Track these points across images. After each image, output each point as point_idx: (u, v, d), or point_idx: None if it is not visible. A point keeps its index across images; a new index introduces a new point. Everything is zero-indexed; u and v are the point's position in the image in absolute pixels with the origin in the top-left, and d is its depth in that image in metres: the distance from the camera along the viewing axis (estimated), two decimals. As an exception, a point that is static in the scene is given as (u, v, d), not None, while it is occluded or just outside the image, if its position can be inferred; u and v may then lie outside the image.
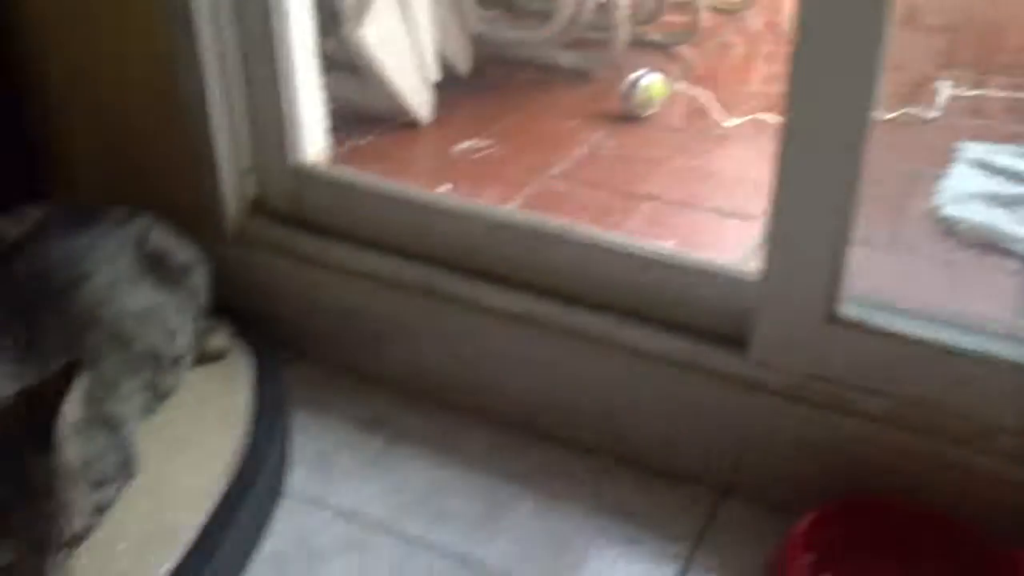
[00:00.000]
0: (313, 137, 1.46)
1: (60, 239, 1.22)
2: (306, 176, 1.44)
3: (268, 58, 1.38)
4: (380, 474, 1.29)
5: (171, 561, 1.06)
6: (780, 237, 1.13)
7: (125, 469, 1.13)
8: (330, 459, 1.31)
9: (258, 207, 1.49)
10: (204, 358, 1.36)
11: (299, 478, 1.28)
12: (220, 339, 1.39)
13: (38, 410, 0.94)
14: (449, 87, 2.32)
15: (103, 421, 1.14)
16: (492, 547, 1.18)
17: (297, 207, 1.46)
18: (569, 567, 1.16)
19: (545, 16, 2.52)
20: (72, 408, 0.95)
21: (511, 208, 1.39)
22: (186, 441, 1.23)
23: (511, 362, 1.34)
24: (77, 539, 0.96)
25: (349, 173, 1.44)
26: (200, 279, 1.34)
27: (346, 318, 1.44)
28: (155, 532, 1.09)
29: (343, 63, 1.96)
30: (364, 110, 2.14)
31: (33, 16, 1.48)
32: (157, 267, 1.28)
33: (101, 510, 1.09)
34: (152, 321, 1.23)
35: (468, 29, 2.38)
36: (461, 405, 1.40)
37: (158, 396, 1.25)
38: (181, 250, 1.32)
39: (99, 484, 1.08)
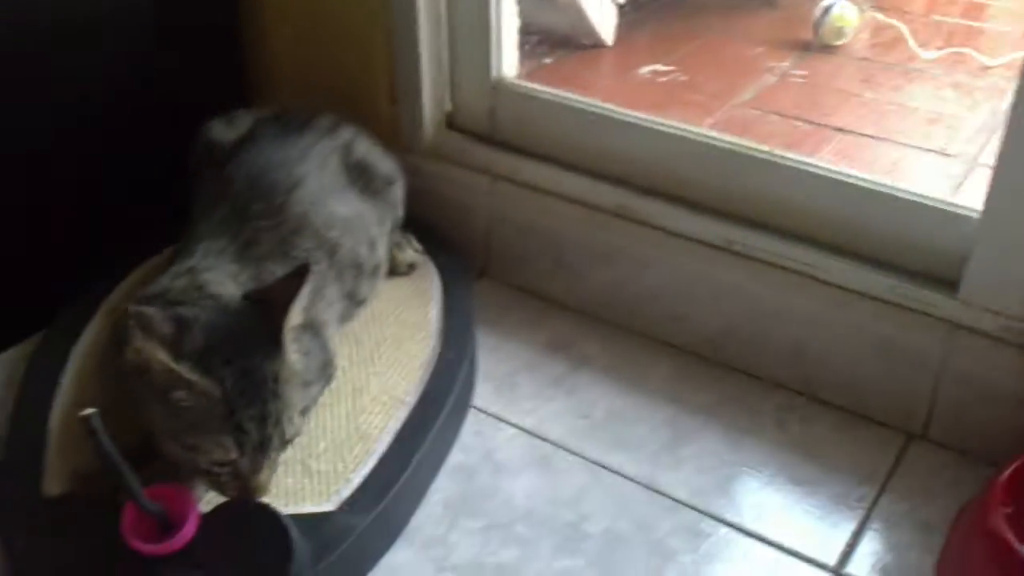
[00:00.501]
0: (509, 54, 1.45)
1: (273, 145, 1.25)
2: (504, 91, 1.43)
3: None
4: (563, 397, 1.29)
5: (368, 465, 1.09)
6: (1008, 178, 1.06)
7: (325, 371, 1.17)
8: (514, 378, 1.32)
9: (452, 123, 1.49)
10: (394, 271, 1.38)
11: (484, 394, 1.29)
12: (410, 253, 1.41)
13: (269, 312, 0.98)
14: (632, 10, 2.27)
15: (309, 324, 1.17)
16: (676, 475, 1.18)
17: (491, 124, 1.46)
18: (752, 505, 1.14)
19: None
20: (298, 311, 0.98)
21: (711, 130, 1.33)
22: (379, 349, 1.26)
23: (702, 291, 1.32)
24: (290, 439, 1.00)
25: (546, 90, 1.42)
26: (399, 192, 1.37)
27: (533, 239, 1.44)
28: (352, 436, 1.13)
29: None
30: (548, 31, 2.11)
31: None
32: (361, 177, 1.31)
33: (305, 411, 1.13)
34: (356, 229, 1.26)
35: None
36: (646, 333, 1.39)
37: (354, 303, 1.28)
38: (383, 162, 1.35)
39: (306, 384, 1.13)
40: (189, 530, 0.96)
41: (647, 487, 1.16)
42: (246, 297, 1.02)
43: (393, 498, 1.07)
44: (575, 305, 1.44)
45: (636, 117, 1.36)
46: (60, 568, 0.97)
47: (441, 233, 1.47)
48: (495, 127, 1.46)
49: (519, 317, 1.43)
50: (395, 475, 1.09)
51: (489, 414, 1.26)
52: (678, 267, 1.33)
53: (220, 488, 0.98)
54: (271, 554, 0.97)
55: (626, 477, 1.18)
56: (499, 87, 1.44)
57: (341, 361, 1.22)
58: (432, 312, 1.33)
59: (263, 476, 0.97)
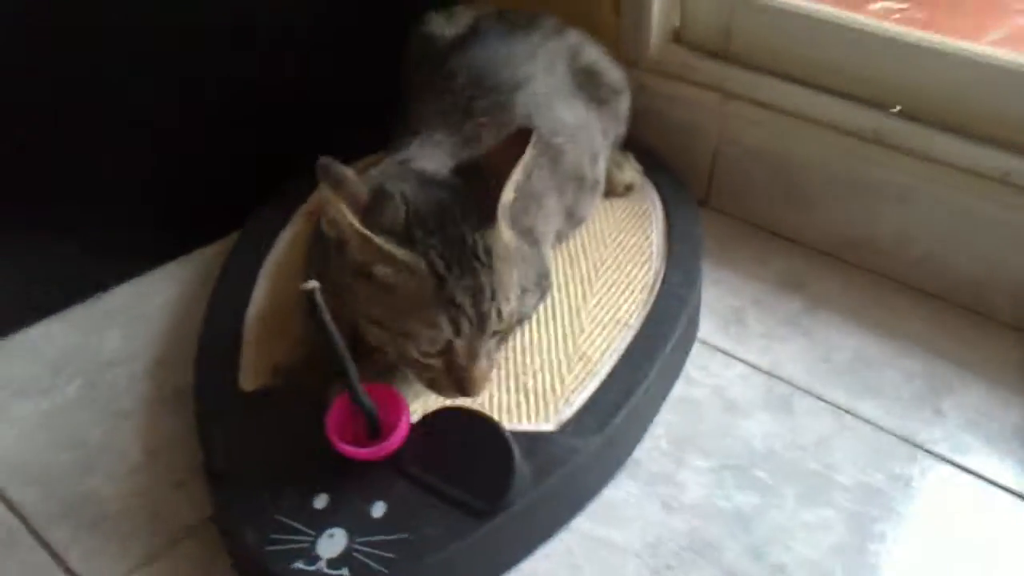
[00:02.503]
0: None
1: (499, 42, 1.16)
2: (740, 4, 1.28)
3: None
4: (799, 337, 1.15)
5: (589, 388, 0.98)
6: None
7: (541, 283, 1.06)
8: (744, 314, 1.19)
9: (680, 37, 1.36)
10: (611, 191, 1.27)
11: (709, 329, 1.16)
12: (629, 172, 1.29)
13: (482, 183, 0.87)
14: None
15: (527, 231, 1.07)
16: (935, 431, 1.02)
17: (724, 39, 1.32)
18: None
19: None
20: (516, 182, 0.87)
21: (986, 47, 1.16)
22: (598, 271, 1.14)
23: (967, 231, 1.15)
24: (503, 334, 0.89)
25: (793, 1, 1.27)
26: (625, 104, 1.25)
27: (765, 165, 1.30)
28: (571, 356, 1.02)
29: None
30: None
31: None
32: (588, 83, 1.20)
33: (520, 320, 1.02)
34: (581, 139, 1.15)
35: None
36: (895, 275, 1.23)
37: (572, 221, 1.17)
38: (612, 70, 1.23)
39: (521, 291, 1.02)
40: (399, 436, 0.88)
41: (904, 441, 1.01)
42: (457, 170, 0.91)
43: (617, 424, 0.95)
44: (810, 241, 1.29)
45: (900, 32, 1.19)
46: (258, 463, 0.90)
47: (661, 156, 1.34)
48: (729, 42, 1.31)
49: (744, 251, 1.29)
50: (620, 399, 0.97)
51: (717, 348, 1.13)
52: (941, 202, 1.16)
53: (435, 385, 0.88)
54: (489, 469, 0.87)
55: (878, 427, 1.03)
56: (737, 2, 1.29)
57: (557, 279, 1.11)
58: (654, 235, 1.21)
59: (481, 367, 0.86)
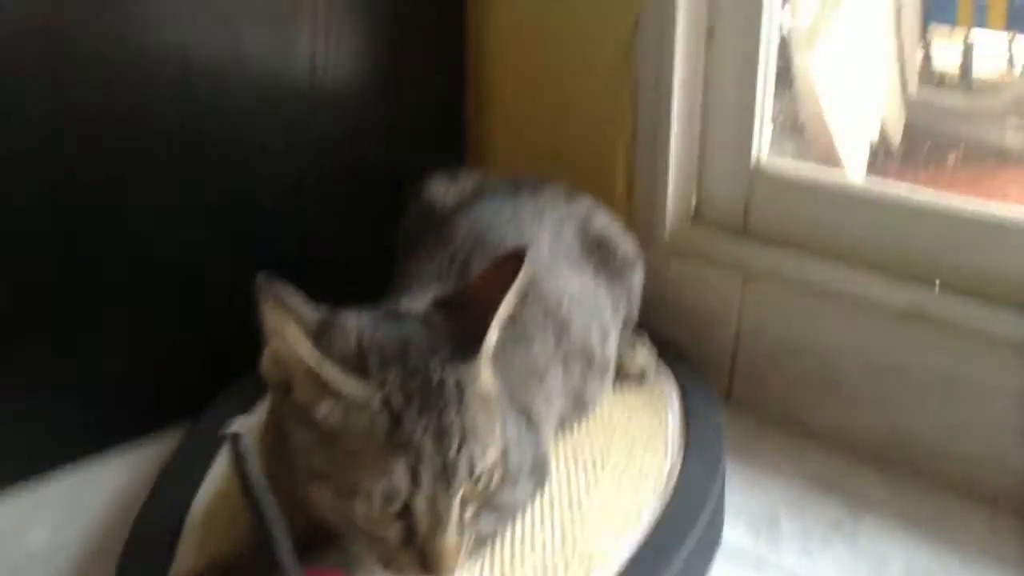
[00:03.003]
0: (764, 140, 1.22)
1: (504, 203, 1.07)
2: (763, 177, 1.19)
3: (740, 48, 1.17)
4: (842, 543, 0.98)
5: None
6: None
7: (537, 472, 0.91)
8: (774, 517, 1.02)
9: (696, 216, 1.26)
10: (623, 375, 1.13)
11: (735, 534, 1.00)
12: (643, 355, 1.16)
13: (466, 311, 0.73)
14: (874, 155, 2.02)
15: (524, 409, 0.93)
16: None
17: (741, 217, 1.22)
18: None
19: (993, 87, 2.17)
20: (507, 309, 0.73)
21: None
22: (603, 459, 0.99)
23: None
24: (480, 502, 0.72)
25: (816, 174, 1.18)
26: (638, 278, 1.13)
27: (793, 353, 1.16)
28: (568, 559, 0.85)
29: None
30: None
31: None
32: (597, 253, 1.09)
33: (512, 510, 0.87)
34: (589, 311, 1.03)
35: (906, 91, 2.08)
36: (945, 475, 1.06)
37: (578, 407, 1.03)
38: (623, 240, 1.13)
39: (512, 480, 0.87)
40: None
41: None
42: (436, 303, 0.77)
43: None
44: (848, 440, 1.13)
45: (933, 199, 1.09)
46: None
47: (678, 345, 1.21)
48: (748, 219, 1.21)
49: (773, 450, 1.14)
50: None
51: (744, 554, 0.96)
52: (999, 385, 1.01)
53: (391, 562, 0.70)
54: None
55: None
56: (758, 173, 1.20)
57: (556, 467, 0.96)
58: (670, 422, 1.06)
59: (450, 538, 0.68)
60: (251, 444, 0.66)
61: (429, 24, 1.32)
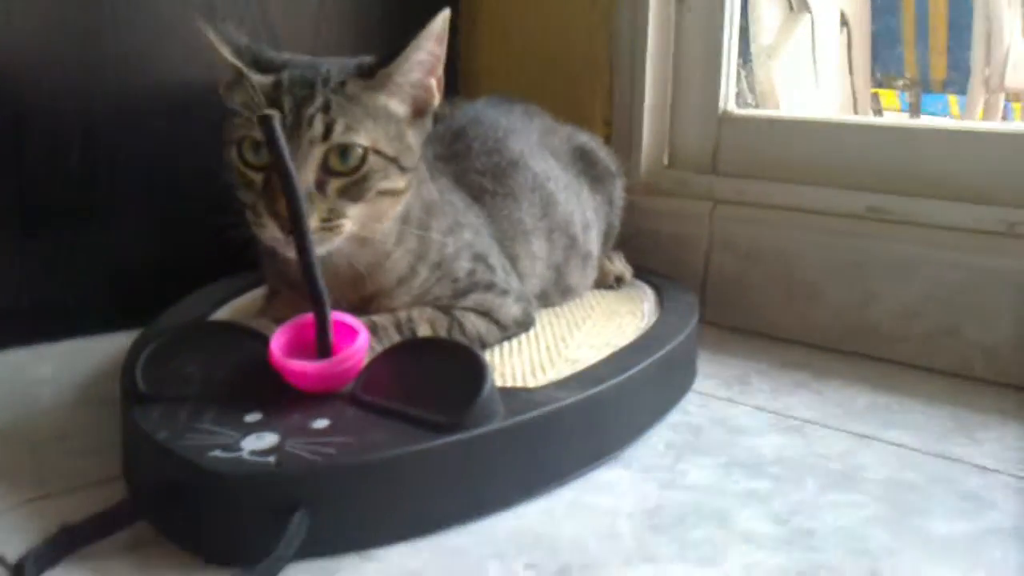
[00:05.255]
0: (730, 91, 1.35)
1: (495, 106, 1.17)
2: (729, 123, 1.32)
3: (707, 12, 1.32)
4: (808, 394, 1.04)
5: (571, 370, 0.87)
6: None
7: (523, 301, 1.01)
8: (747, 379, 1.08)
9: (669, 161, 1.37)
10: (601, 282, 1.21)
11: (709, 385, 1.05)
12: (619, 264, 1.24)
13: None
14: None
15: (508, 255, 1.01)
16: (973, 451, 0.88)
17: (711, 157, 1.33)
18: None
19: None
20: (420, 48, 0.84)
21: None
22: (586, 319, 1.06)
23: (980, 292, 1.08)
24: (349, 181, 0.81)
25: (774, 113, 1.30)
26: (619, 191, 1.24)
27: (760, 264, 1.25)
28: (554, 360, 0.92)
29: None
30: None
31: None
32: (582, 160, 1.20)
33: (499, 318, 0.97)
34: (572, 197, 1.13)
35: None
36: (902, 358, 1.14)
37: (560, 287, 1.11)
38: (607, 155, 1.24)
39: (498, 289, 0.96)
40: (352, 356, 0.76)
41: (936, 455, 0.87)
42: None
43: (601, 393, 0.83)
44: (812, 338, 1.20)
45: (879, 121, 1.21)
46: (188, 385, 0.77)
47: (654, 270, 1.29)
48: (717, 158, 1.33)
49: (745, 349, 1.19)
50: (606, 374, 0.86)
51: (717, 397, 1.01)
52: (948, 267, 1.10)
53: (255, 211, 0.80)
54: (454, 389, 0.75)
55: (903, 445, 0.89)
56: (725, 119, 1.32)
57: (540, 321, 1.03)
58: (646, 305, 1.13)
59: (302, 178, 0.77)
60: (280, 124, 0.74)
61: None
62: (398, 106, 0.84)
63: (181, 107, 1.18)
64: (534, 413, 0.76)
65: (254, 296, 1.08)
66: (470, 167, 1.04)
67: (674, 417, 0.95)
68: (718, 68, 1.32)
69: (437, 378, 0.76)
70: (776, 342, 1.21)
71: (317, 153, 0.79)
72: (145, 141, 1.17)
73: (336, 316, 0.78)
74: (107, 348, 1.08)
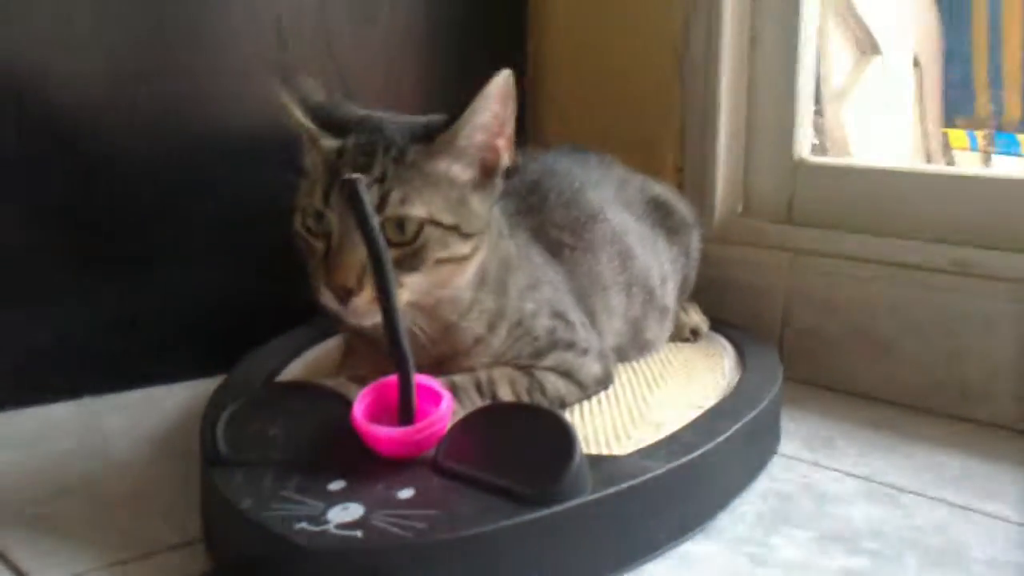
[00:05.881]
0: (805, 137, 1.32)
1: (569, 157, 1.14)
2: (803, 172, 1.29)
3: (783, 41, 1.29)
4: (896, 456, 1.00)
5: (657, 437, 0.84)
6: None
7: (603, 360, 0.98)
8: (831, 440, 1.04)
9: (744, 211, 1.34)
10: (677, 334, 1.18)
11: (793, 447, 1.01)
12: (695, 317, 1.21)
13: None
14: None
15: (585, 310, 0.99)
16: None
17: (786, 207, 1.30)
18: None
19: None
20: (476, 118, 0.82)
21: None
22: (667, 378, 1.03)
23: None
24: (406, 250, 0.80)
25: (852, 162, 1.27)
26: (695, 241, 1.21)
27: (840, 318, 1.21)
28: (636, 422, 0.89)
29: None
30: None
31: None
32: (657, 211, 1.17)
33: (580, 379, 0.94)
34: (649, 250, 1.11)
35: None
36: (994, 413, 1.09)
37: (637, 342, 1.09)
38: (682, 204, 1.22)
39: (578, 347, 0.94)
40: (436, 422, 0.74)
41: (1038, 530, 0.83)
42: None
43: (692, 461, 0.80)
44: (895, 395, 1.16)
45: (960, 170, 1.18)
46: (269, 449, 0.75)
47: (729, 320, 1.26)
48: (792, 208, 1.29)
49: (826, 406, 1.16)
50: (696, 441, 0.83)
51: (801, 460, 0.98)
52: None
53: (316, 279, 0.80)
54: (541, 458, 0.72)
55: (1006, 520, 0.85)
56: (800, 167, 1.29)
57: (619, 379, 1.00)
58: (726, 360, 1.10)
59: (348, 256, 0.77)
60: (365, 188, 0.72)
61: (491, 27, 1.44)
62: (461, 171, 0.83)
63: (251, 150, 1.17)
64: (623, 485, 0.74)
65: (328, 348, 1.07)
66: (547, 220, 1.02)
67: (761, 483, 0.92)
68: (792, 113, 1.30)
69: (523, 445, 0.74)
70: (856, 399, 1.18)
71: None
72: (217, 185, 1.16)
73: (418, 379, 0.76)
74: (181, 398, 1.08)
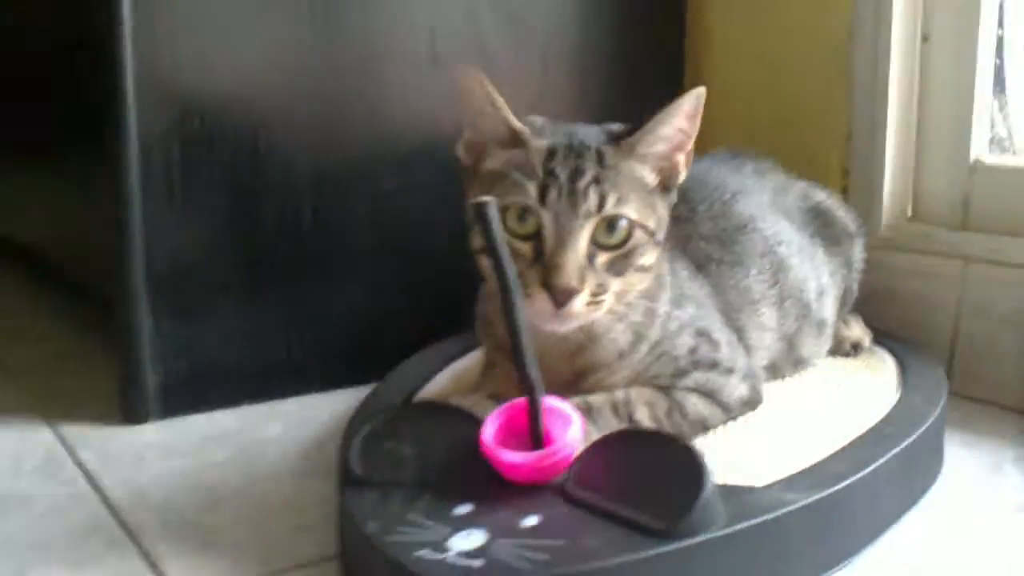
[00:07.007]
0: (983, 138, 1.23)
1: (724, 163, 1.11)
2: (980, 175, 1.21)
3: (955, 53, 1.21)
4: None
5: (806, 461, 0.80)
6: None
7: (749, 379, 0.94)
8: (999, 468, 0.97)
9: (914, 213, 1.27)
10: (837, 348, 1.12)
11: (955, 476, 0.95)
12: (857, 330, 1.15)
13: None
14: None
15: (734, 327, 0.96)
16: None
17: (961, 211, 1.22)
18: None
19: None
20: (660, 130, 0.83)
21: None
22: (823, 395, 0.99)
23: None
24: (619, 253, 0.81)
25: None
26: (859, 251, 1.15)
27: (1016, 328, 1.12)
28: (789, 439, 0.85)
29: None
30: None
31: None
32: (817, 220, 1.12)
33: (721, 399, 0.90)
34: (806, 261, 1.06)
35: None
36: None
37: (791, 357, 1.04)
38: (845, 213, 1.15)
39: (723, 367, 0.90)
40: (566, 448, 0.73)
41: None
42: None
43: (839, 492, 0.76)
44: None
45: None
46: (402, 471, 0.76)
47: (895, 334, 1.19)
48: (968, 212, 1.21)
49: (996, 430, 1.08)
50: (845, 470, 0.79)
51: (966, 491, 0.92)
52: None
53: (525, 283, 0.77)
54: (672, 491, 0.71)
55: None
56: (977, 169, 1.21)
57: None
58: (886, 380, 1.04)
59: (569, 257, 0.77)
60: (496, 211, 0.72)
61: (648, 33, 1.42)
62: (649, 175, 0.84)
63: (407, 165, 1.20)
64: (759, 519, 0.71)
65: (470, 361, 1.07)
66: (694, 232, 0.99)
67: (916, 517, 0.86)
68: (969, 111, 1.21)
69: (653, 475, 0.72)
70: (1033, 419, 1.09)
71: (590, 226, 0.78)
72: (374, 199, 1.19)
73: (549, 402, 0.75)
74: (335, 405, 1.11)
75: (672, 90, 1.41)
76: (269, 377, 1.14)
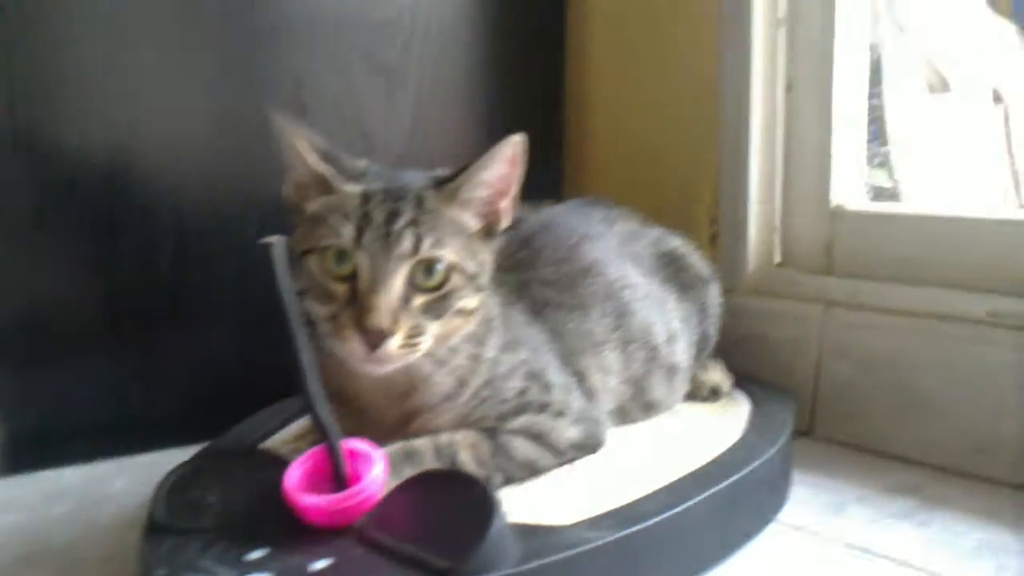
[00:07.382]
0: (843, 185, 1.25)
1: (575, 210, 1.13)
2: (841, 220, 1.23)
3: (817, 85, 1.24)
4: (909, 525, 0.92)
5: (621, 499, 0.80)
6: None
7: (584, 423, 0.93)
8: (842, 508, 0.97)
9: (781, 260, 1.28)
10: (695, 394, 1.13)
11: (800, 514, 0.95)
12: (716, 374, 1.15)
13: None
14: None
15: (574, 372, 0.96)
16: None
17: (825, 256, 1.24)
18: None
19: None
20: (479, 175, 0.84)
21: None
22: (667, 435, 0.99)
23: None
24: (437, 295, 0.81)
25: (890, 207, 1.20)
26: (712, 296, 1.15)
27: (875, 373, 1.14)
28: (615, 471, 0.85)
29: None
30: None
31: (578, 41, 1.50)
32: (669, 266, 1.13)
33: (551, 442, 0.90)
34: (653, 307, 1.06)
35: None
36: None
37: (640, 401, 1.04)
38: (698, 259, 1.17)
39: (554, 408, 0.90)
40: (364, 491, 0.73)
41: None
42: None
43: (645, 531, 0.76)
44: (930, 457, 1.08)
45: (1006, 215, 1.09)
46: (205, 518, 0.75)
47: (758, 379, 1.20)
48: (832, 257, 1.23)
49: (850, 468, 1.08)
50: (655, 509, 0.78)
51: (803, 531, 0.91)
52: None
53: (338, 323, 0.78)
54: (461, 529, 0.69)
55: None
56: (837, 214, 1.23)
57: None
58: (735, 421, 1.04)
59: (383, 298, 0.76)
60: (282, 252, 0.72)
61: (530, 80, 1.44)
62: (469, 220, 0.84)
63: (271, 213, 1.19)
64: (554, 557, 0.70)
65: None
66: (534, 277, 1.00)
67: (743, 557, 0.86)
68: (828, 158, 1.24)
69: (448, 515, 0.71)
70: (889, 460, 1.10)
71: (405, 269, 0.79)
72: (239, 249, 1.18)
73: (354, 445, 0.75)
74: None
75: (551, 136, 1.45)
76: (122, 432, 1.13)
